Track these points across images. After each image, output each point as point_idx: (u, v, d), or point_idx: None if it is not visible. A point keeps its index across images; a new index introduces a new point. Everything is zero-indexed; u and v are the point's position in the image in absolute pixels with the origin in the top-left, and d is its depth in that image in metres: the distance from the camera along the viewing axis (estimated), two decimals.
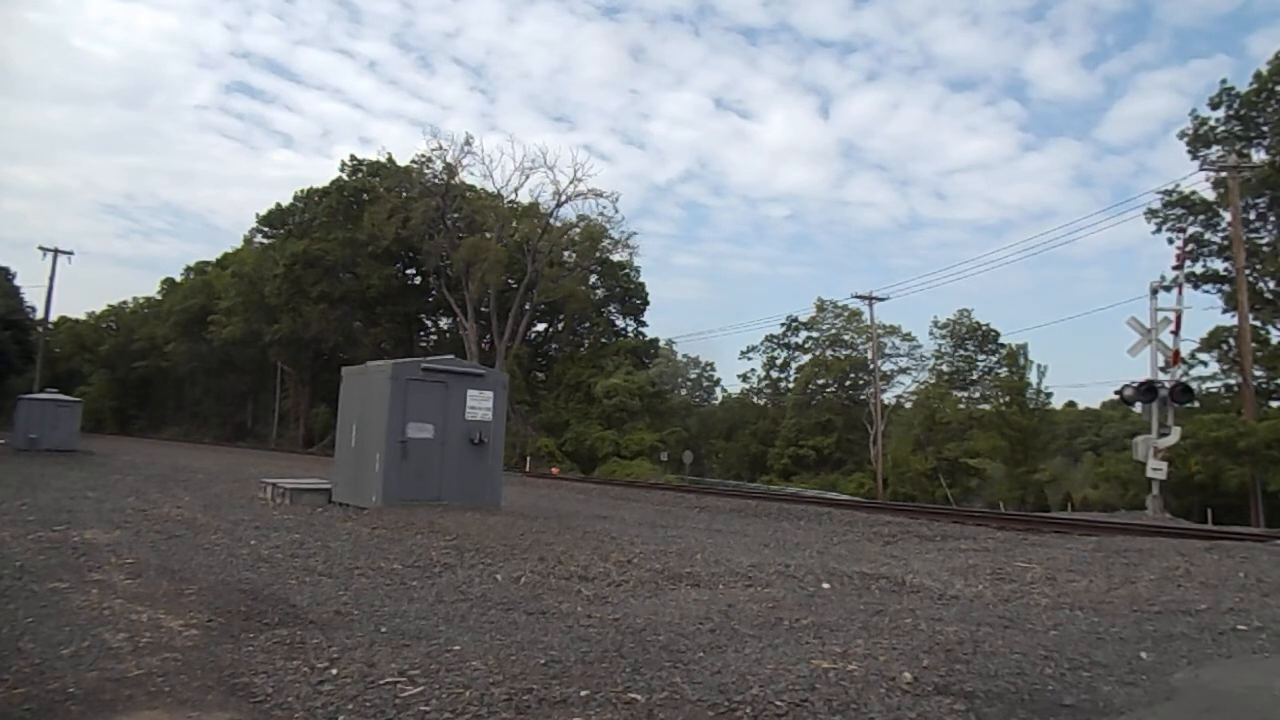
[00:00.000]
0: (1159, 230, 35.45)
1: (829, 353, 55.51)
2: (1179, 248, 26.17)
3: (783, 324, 58.98)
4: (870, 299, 47.61)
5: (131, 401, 77.59)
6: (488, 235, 45.41)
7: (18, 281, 61.15)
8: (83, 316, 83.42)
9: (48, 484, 14.83)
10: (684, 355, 63.73)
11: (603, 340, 53.24)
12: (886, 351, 54.17)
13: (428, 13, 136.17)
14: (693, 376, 67.64)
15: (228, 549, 8.09)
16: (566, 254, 48.85)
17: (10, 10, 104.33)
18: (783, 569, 7.70)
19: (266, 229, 59.47)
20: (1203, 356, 35.10)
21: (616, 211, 48.37)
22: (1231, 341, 32.95)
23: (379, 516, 11.10)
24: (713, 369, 67.95)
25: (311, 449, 48.06)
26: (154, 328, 70.61)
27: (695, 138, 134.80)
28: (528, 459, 38.77)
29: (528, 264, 45.22)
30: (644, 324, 55.08)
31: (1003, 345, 51.40)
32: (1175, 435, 20.57)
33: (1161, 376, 20.54)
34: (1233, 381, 34.26)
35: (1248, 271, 31.30)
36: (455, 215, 46.85)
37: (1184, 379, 26.15)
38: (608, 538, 10.06)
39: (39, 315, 55.78)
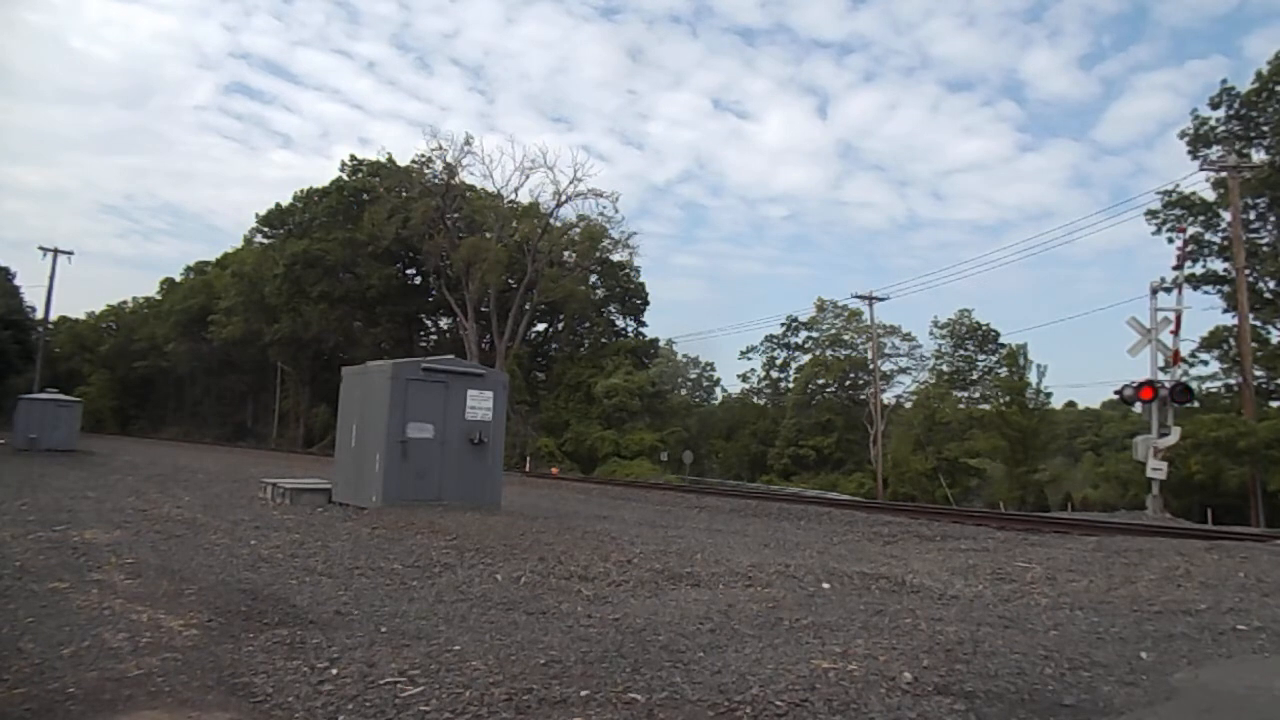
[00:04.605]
0: (1159, 231, 35.52)
1: (829, 353, 55.51)
2: (1179, 248, 26.21)
3: (783, 324, 59.09)
4: (870, 299, 47.64)
5: (131, 401, 77.57)
6: (488, 235, 45.43)
7: (18, 281, 61.23)
8: (83, 316, 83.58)
9: (48, 484, 14.82)
10: (684, 355, 63.82)
11: (603, 340, 53.25)
12: (886, 351, 54.21)
13: (426, 14, 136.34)
14: (693, 376, 67.65)
15: (228, 549, 8.09)
16: (566, 254, 48.85)
17: (9, 11, 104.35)
18: (783, 569, 7.70)
19: (266, 229, 59.48)
20: (1203, 356, 35.19)
21: (616, 211, 48.42)
22: (1231, 341, 32.96)
23: (379, 516, 11.10)
24: (713, 369, 68.00)
25: (311, 449, 48.04)
26: (154, 328, 70.61)
27: (693, 138, 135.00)
28: (528, 459, 38.77)
29: (528, 264, 45.22)
30: (644, 324, 55.20)
31: (1002, 345, 51.46)
32: (1175, 435, 20.55)
33: (1161, 376, 20.53)
34: (1233, 381, 34.27)
35: (1248, 271, 31.29)
36: (455, 215, 46.86)
37: (1184, 379, 26.17)
38: (608, 538, 10.05)
39: (39, 315, 55.79)
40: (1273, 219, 34.82)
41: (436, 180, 45.46)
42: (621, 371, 47.89)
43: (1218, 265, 34.58)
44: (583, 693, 3.80)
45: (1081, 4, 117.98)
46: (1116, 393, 22.46)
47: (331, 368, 39.32)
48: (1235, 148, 31.93)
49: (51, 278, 49.90)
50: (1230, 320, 32.98)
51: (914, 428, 48.84)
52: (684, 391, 65.19)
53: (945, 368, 54.28)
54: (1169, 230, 34.67)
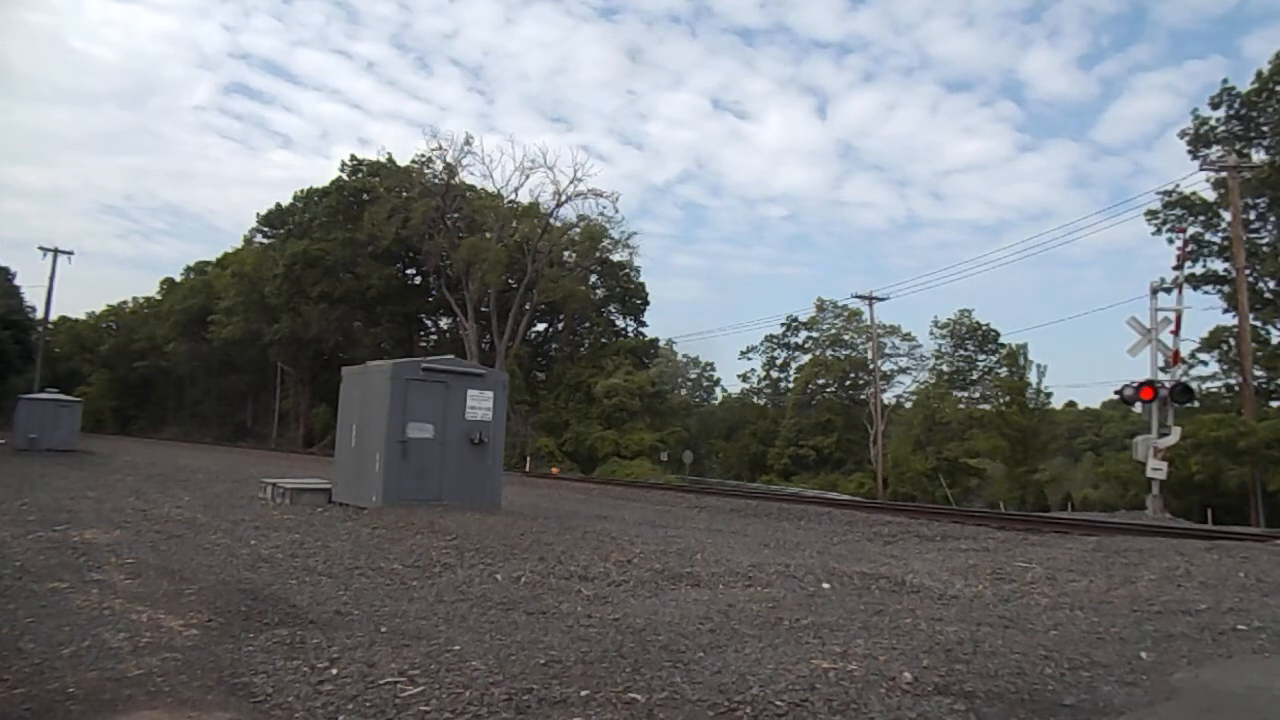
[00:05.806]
0: (1159, 231, 35.53)
1: (829, 353, 55.50)
2: (1179, 248, 26.13)
3: (783, 324, 59.07)
4: (870, 299, 47.64)
5: (131, 401, 77.56)
6: (488, 235, 45.44)
7: (18, 281, 61.18)
8: (83, 316, 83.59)
9: (48, 484, 14.82)
10: (684, 355, 63.80)
11: (603, 340, 53.25)
12: (886, 351, 54.19)
13: (425, 14, 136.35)
14: (693, 376, 67.63)
15: (228, 549, 8.09)
16: (566, 254, 48.87)
17: (9, 11, 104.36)
18: (783, 569, 7.70)
19: (266, 229, 59.54)
20: (1203, 356, 35.18)
21: (616, 211, 48.43)
22: (1231, 341, 32.96)
23: (379, 516, 11.10)
24: (713, 369, 67.99)
25: (311, 449, 48.03)
26: (154, 328, 70.63)
27: (693, 138, 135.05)
28: (528, 459, 38.76)
29: (528, 264, 45.22)
30: (644, 324, 55.20)
31: (1003, 345, 51.41)
32: (1175, 435, 20.54)
33: (1161, 376, 20.52)
34: (1233, 381, 34.27)
35: (1248, 271, 31.29)
36: (455, 215, 46.86)
37: (1184, 379, 26.16)
38: (608, 538, 10.05)
39: (39, 315, 55.80)
40: (1273, 219, 34.82)
41: (436, 180, 45.47)
42: (621, 371, 47.88)
43: (1218, 265, 34.64)
44: (583, 693, 3.80)
45: (1080, 4, 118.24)
46: (1116, 393, 22.45)
47: (331, 368, 39.30)
48: (1235, 148, 31.94)
49: (51, 278, 50.00)
50: (1230, 320, 33.04)
51: (914, 428, 48.83)
52: (684, 391, 65.19)
53: (945, 368, 54.27)
54: (1169, 230, 34.66)
